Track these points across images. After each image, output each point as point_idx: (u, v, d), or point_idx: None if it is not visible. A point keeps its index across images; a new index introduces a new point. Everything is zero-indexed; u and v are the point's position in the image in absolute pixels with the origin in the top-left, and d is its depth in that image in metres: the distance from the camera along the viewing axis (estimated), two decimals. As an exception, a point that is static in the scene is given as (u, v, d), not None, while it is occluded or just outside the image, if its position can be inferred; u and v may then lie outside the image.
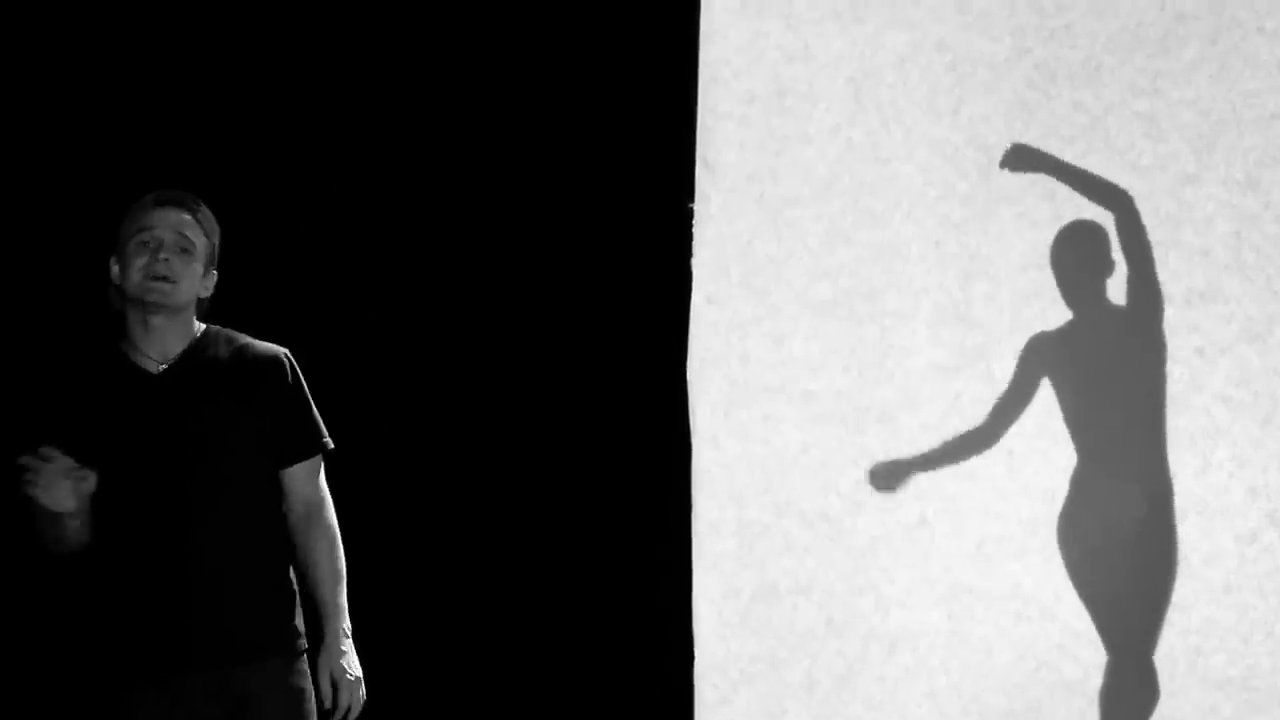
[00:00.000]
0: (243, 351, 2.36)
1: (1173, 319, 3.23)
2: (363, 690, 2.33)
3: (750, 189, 3.32)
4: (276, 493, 2.37)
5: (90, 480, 2.17)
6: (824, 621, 3.32)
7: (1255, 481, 3.23)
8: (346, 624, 2.35)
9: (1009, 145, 3.28)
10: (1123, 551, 3.26)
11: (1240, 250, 3.22)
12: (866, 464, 3.34)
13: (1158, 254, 3.25)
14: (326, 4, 3.26)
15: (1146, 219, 3.25)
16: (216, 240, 2.37)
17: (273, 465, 2.36)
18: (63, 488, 2.17)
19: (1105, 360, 3.27)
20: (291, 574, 2.37)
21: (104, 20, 3.22)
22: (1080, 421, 3.25)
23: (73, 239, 3.10)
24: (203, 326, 2.37)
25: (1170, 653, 3.19)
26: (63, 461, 2.16)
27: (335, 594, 2.36)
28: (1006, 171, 3.28)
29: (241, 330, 2.41)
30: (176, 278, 2.29)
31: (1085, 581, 3.26)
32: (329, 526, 2.38)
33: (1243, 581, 3.16)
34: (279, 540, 2.36)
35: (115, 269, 2.34)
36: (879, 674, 3.30)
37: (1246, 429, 3.21)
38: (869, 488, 3.33)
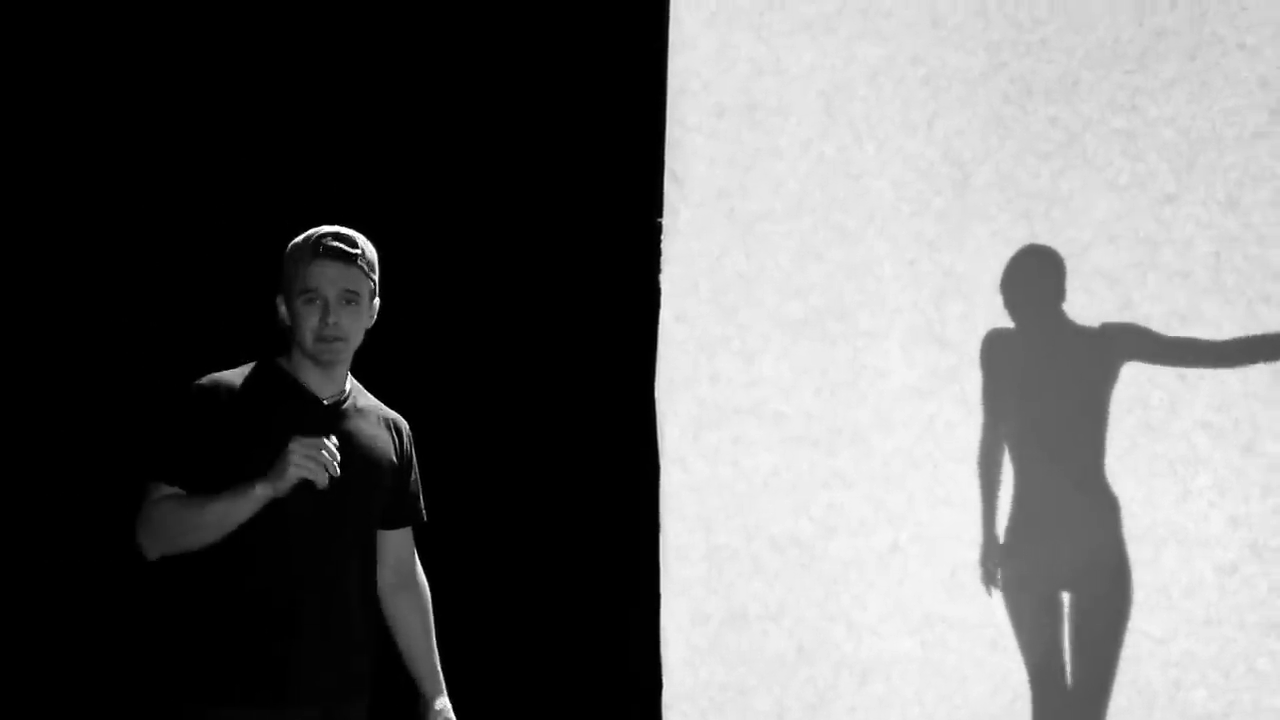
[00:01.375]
0: (380, 410, 2.48)
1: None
2: None
3: (720, 204, 3.26)
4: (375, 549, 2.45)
5: (335, 466, 2.23)
6: (795, 649, 3.25)
7: (1236, 511, 3.17)
8: (443, 684, 2.52)
9: (984, 160, 3.21)
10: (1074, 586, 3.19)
11: (1221, 272, 3.17)
12: (838, 487, 3.26)
13: (1136, 275, 3.19)
14: (289, 33, 3.17)
15: (1124, 239, 3.19)
16: (378, 272, 2.45)
17: (386, 523, 2.48)
18: (319, 465, 2.24)
19: (1055, 378, 3.20)
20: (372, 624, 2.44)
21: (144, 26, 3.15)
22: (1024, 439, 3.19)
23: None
24: (351, 380, 2.48)
25: (1149, 686, 3.12)
26: (332, 445, 2.24)
27: (431, 652, 2.53)
28: (981, 187, 3.21)
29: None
30: (346, 335, 2.38)
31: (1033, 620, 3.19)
32: (423, 589, 2.53)
33: (1224, 614, 3.10)
34: (373, 591, 2.48)
35: (282, 310, 2.42)
36: (850, 703, 3.23)
37: (1227, 456, 3.15)
38: (841, 512, 3.26)
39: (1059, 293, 3.23)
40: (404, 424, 2.51)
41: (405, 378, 3.42)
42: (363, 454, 2.39)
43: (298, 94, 3.23)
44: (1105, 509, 3.18)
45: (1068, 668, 3.19)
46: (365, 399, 2.47)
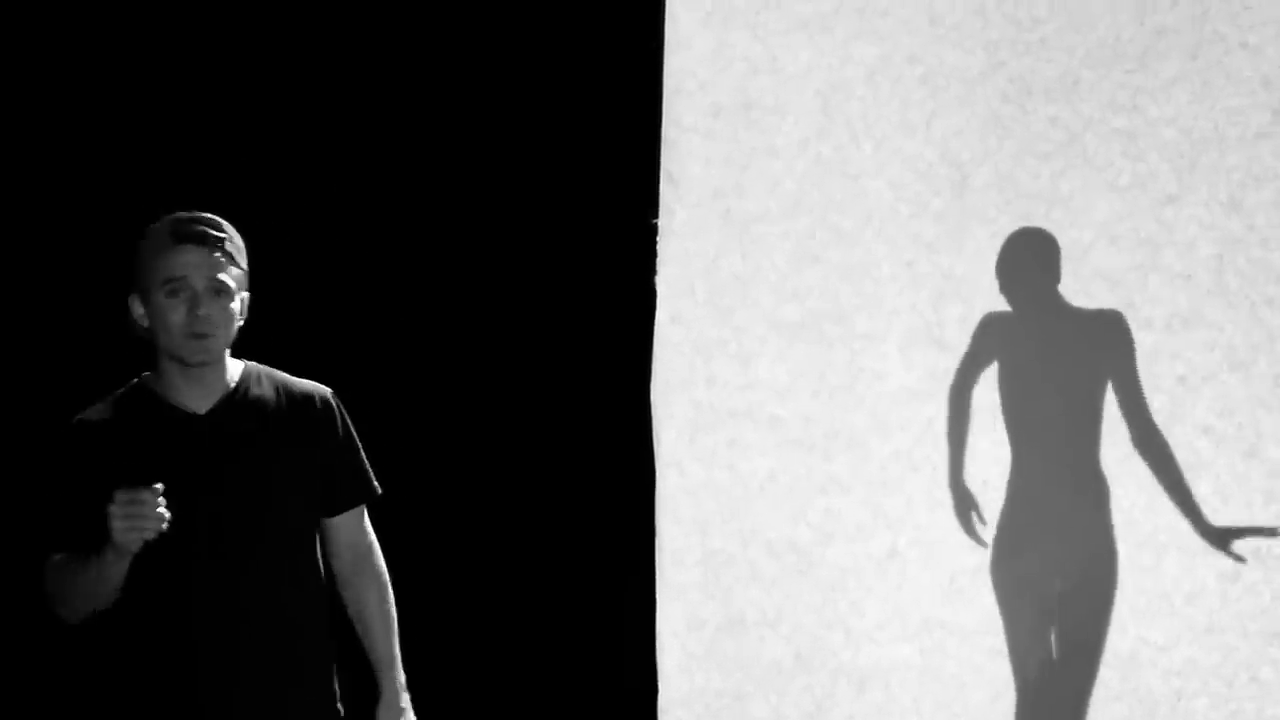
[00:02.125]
0: (288, 391, 2.23)
1: (1153, 346, 3.14)
2: None
3: (716, 204, 3.23)
4: (317, 543, 2.25)
5: (165, 517, 2.00)
6: (792, 655, 3.21)
7: (1239, 517, 3.13)
8: (402, 676, 2.26)
9: (983, 161, 3.18)
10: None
11: (1223, 274, 3.13)
12: (836, 492, 3.23)
13: (1137, 278, 3.16)
14: (287, 34, 3.14)
15: (1125, 240, 3.15)
16: (246, 265, 2.20)
17: (319, 513, 2.25)
18: (147, 522, 2.00)
19: (1048, 370, 3.16)
20: (329, 633, 2.24)
21: (103, 22, 3.11)
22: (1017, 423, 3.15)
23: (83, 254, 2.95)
24: (240, 364, 2.23)
25: (1150, 695, 3.08)
26: (151, 494, 2.00)
27: (389, 645, 2.28)
28: (980, 188, 3.18)
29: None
30: (216, 329, 2.14)
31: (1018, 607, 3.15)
32: (379, 574, 2.30)
33: (1226, 622, 3.06)
34: (322, 595, 2.24)
35: (139, 310, 2.17)
36: (848, 711, 3.20)
37: (1230, 462, 3.12)
38: (838, 517, 3.22)
39: (1055, 278, 3.18)
40: (323, 395, 2.24)
41: (398, 380, 3.39)
42: (261, 457, 2.16)
43: (289, 91, 3.19)
44: (1094, 504, 3.14)
45: (1057, 670, 3.15)
46: (265, 386, 2.22)
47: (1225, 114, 3.21)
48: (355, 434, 2.27)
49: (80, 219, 3.13)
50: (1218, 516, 3.15)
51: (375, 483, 2.30)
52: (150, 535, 2.00)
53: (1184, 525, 3.14)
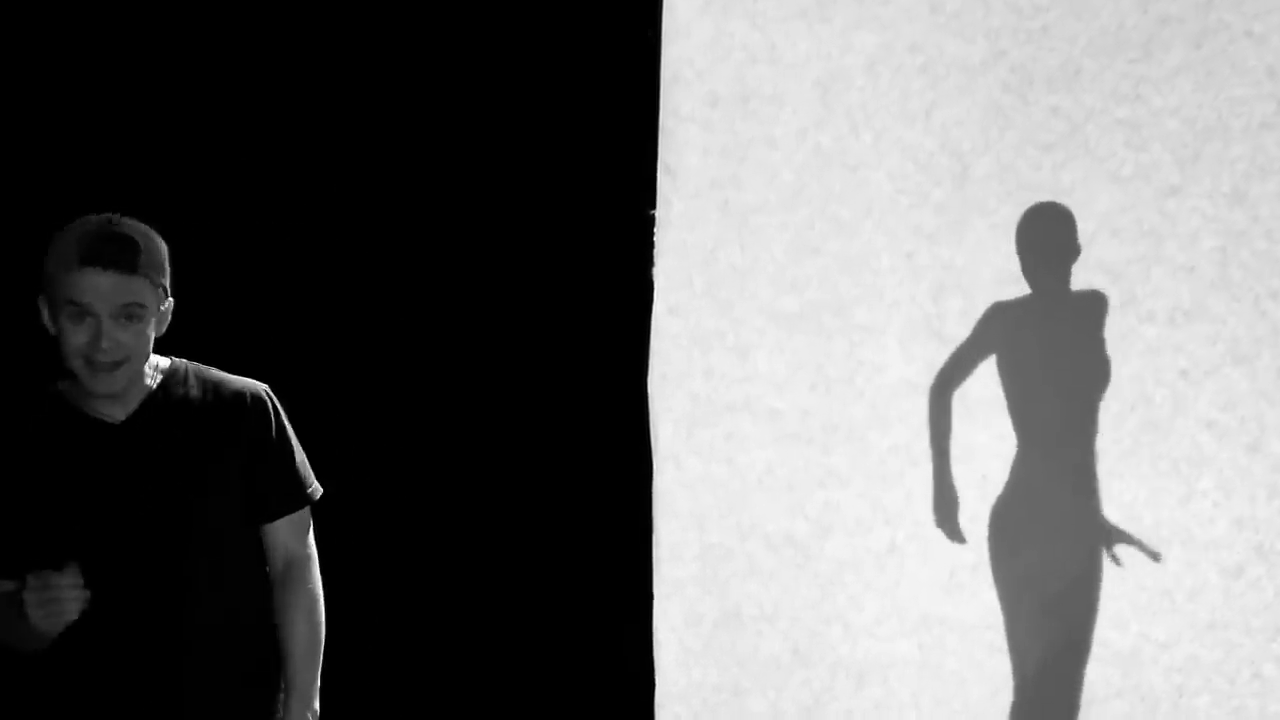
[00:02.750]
0: (217, 391, 2.09)
1: (1156, 339, 3.10)
2: None
3: (714, 195, 3.19)
4: (259, 551, 2.13)
5: (85, 596, 1.89)
6: (790, 650, 3.19)
7: (1242, 512, 3.10)
8: (315, 706, 2.11)
9: (984, 151, 3.14)
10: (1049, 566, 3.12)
11: (1227, 267, 3.10)
12: (834, 485, 3.20)
13: (1139, 270, 3.12)
14: (281, 18, 3.11)
15: (1128, 232, 3.12)
16: (167, 271, 2.04)
17: (252, 519, 2.12)
18: (65, 607, 1.89)
19: (1055, 359, 3.13)
20: (269, 638, 2.15)
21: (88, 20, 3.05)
22: (1020, 413, 3.12)
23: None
24: (167, 363, 2.09)
25: (1152, 692, 3.05)
26: (67, 579, 1.88)
27: (308, 668, 2.11)
28: (981, 179, 3.15)
29: (203, 352, 2.19)
30: (124, 356, 1.99)
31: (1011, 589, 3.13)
32: (309, 590, 2.15)
33: (1229, 618, 3.03)
34: (262, 609, 2.13)
35: (45, 315, 2.02)
36: (847, 706, 3.17)
37: (1233, 456, 3.09)
38: (837, 511, 3.19)
39: (1066, 271, 3.14)
40: (255, 393, 2.11)
41: (392, 374, 3.36)
42: (183, 465, 2.02)
43: (281, 80, 3.16)
44: (1086, 500, 3.11)
45: (1051, 667, 3.13)
46: (191, 387, 2.08)
47: (1230, 104, 3.17)
48: (291, 434, 2.14)
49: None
50: (1220, 511, 3.12)
51: (313, 488, 2.17)
52: (71, 618, 1.88)
53: (1185, 521, 3.10)
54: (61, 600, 1.87)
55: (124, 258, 1.97)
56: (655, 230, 3.24)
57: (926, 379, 3.22)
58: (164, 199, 2.42)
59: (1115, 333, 3.19)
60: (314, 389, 3.25)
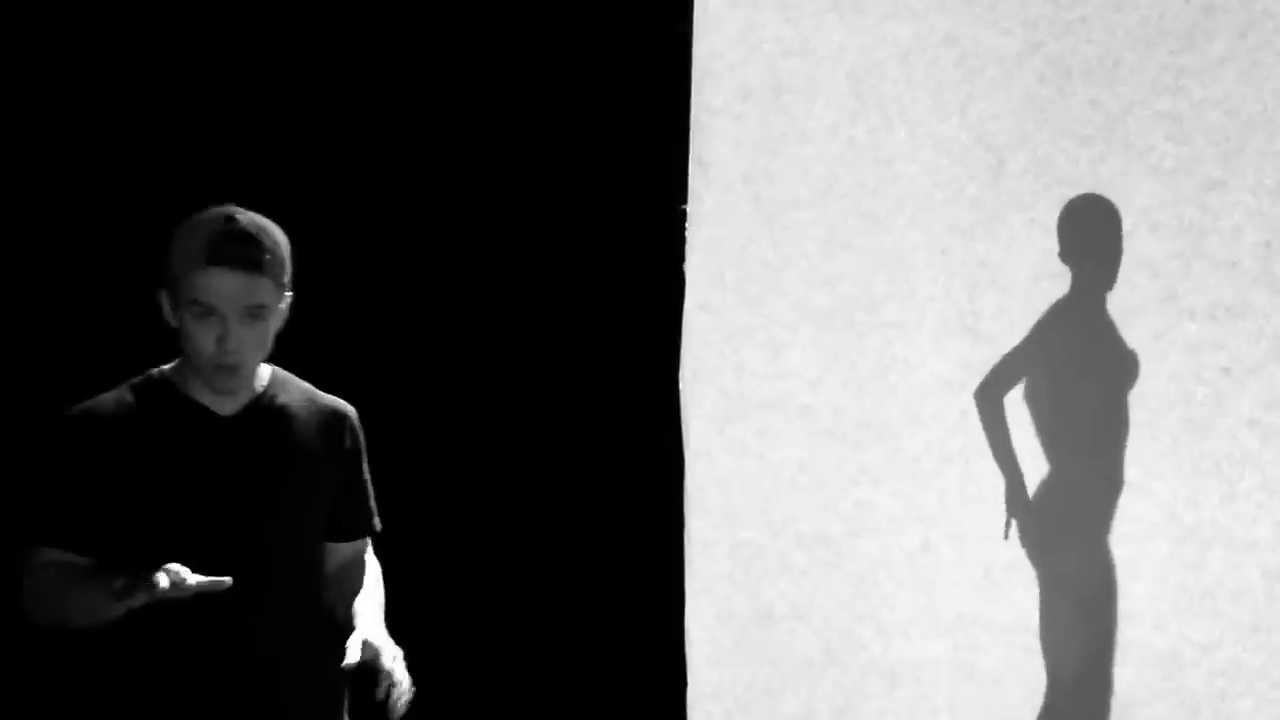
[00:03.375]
0: (315, 403, 2.08)
1: (1197, 336, 3.05)
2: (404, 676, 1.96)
3: (746, 190, 3.17)
4: (320, 562, 2.11)
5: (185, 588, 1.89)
6: (822, 650, 3.16)
7: (1287, 512, 3.03)
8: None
9: (1020, 145, 3.09)
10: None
11: (1270, 262, 3.04)
12: (867, 483, 3.17)
13: (1180, 265, 3.05)
14: (312, 7, 3.11)
15: (1168, 227, 3.06)
16: (289, 268, 2.02)
17: (331, 535, 2.12)
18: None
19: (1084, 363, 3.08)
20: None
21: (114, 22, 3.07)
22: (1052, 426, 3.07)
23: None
24: (269, 370, 2.08)
25: (1193, 696, 3.01)
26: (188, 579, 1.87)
27: (369, 606, 2.05)
28: (1017, 173, 3.10)
29: None
30: (246, 360, 1.98)
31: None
32: (369, 568, 2.14)
33: (1272, 621, 2.98)
34: (330, 620, 2.09)
35: (167, 309, 2.01)
36: (879, 707, 3.14)
37: (1277, 455, 3.03)
38: (870, 509, 3.16)
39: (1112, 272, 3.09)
40: (347, 414, 2.10)
41: (424, 370, 3.35)
42: (285, 467, 2.02)
43: (306, 79, 3.16)
44: (1105, 499, 3.06)
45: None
46: (290, 393, 2.07)
47: (1274, 95, 3.11)
48: (366, 463, 2.14)
49: (96, 211, 3.08)
50: (1263, 512, 3.07)
51: (375, 518, 2.17)
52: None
53: (1227, 521, 3.04)
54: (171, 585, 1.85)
55: (250, 258, 1.96)
56: (687, 225, 3.21)
57: (961, 376, 3.18)
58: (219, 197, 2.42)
59: (1155, 329, 3.13)
60: (346, 385, 3.24)
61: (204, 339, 1.95)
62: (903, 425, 3.21)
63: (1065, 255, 3.17)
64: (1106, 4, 3.16)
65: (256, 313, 1.97)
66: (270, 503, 2.01)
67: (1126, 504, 3.13)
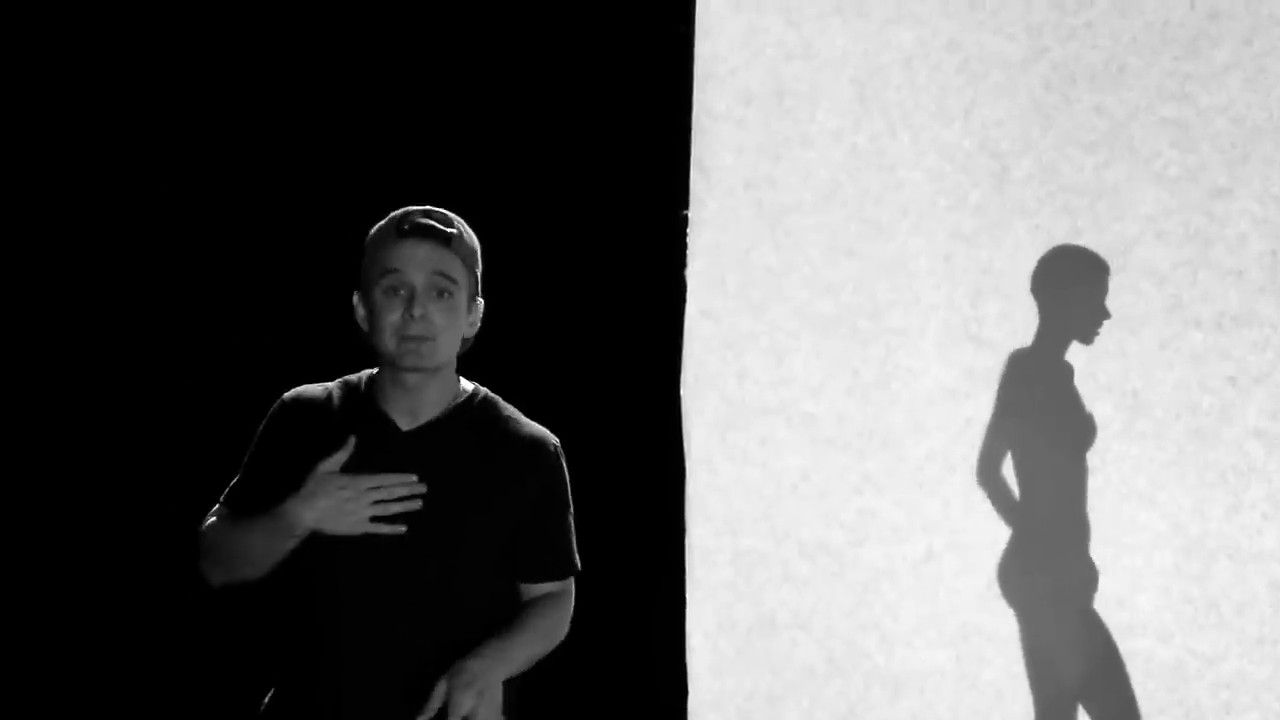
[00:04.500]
0: (508, 431, 2.13)
1: (1202, 345, 3.07)
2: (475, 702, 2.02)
3: (748, 195, 3.21)
4: (498, 601, 2.16)
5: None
6: (824, 659, 3.21)
7: (1292, 526, 3.06)
8: (502, 660, 2.08)
9: (1024, 151, 3.09)
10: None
11: (1277, 270, 3.11)
12: (870, 492, 3.16)
13: (1186, 274, 3.05)
14: (317, 9, 3.14)
15: (1173, 235, 3.06)
16: (479, 262, 2.13)
17: (519, 575, 2.17)
18: (356, 515, 1.99)
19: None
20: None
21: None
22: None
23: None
24: (470, 387, 2.16)
25: (1199, 708, 3.06)
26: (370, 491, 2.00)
27: (509, 637, 2.09)
28: (1021, 180, 3.09)
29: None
30: (436, 333, 2.03)
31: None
32: (556, 610, 2.19)
33: (1278, 632, 2.98)
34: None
35: (360, 311, 2.13)
36: (882, 717, 3.21)
37: (1282, 466, 3.05)
38: (873, 518, 3.14)
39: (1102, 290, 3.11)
40: (548, 448, 2.14)
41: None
42: (452, 495, 2.04)
43: (312, 88, 3.20)
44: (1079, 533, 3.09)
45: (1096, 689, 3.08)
46: (486, 417, 2.12)
47: (1280, 102, 3.11)
48: (569, 496, 2.22)
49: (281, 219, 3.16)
50: (1269, 523, 3.08)
51: (575, 558, 2.23)
52: (348, 530, 1.98)
53: (1233, 532, 3.02)
54: (357, 508, 1.95)
55: (439, 231, 2.06)
56: (688, 231, 3.25)
57: (964, 384, 3.22)
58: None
59: (1161, 338, 3.13)
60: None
61: (393, 310, 2.04)
62: (906, 433, 3.26)
63: (1035, 294, 3.17)
64: (1111, 9, 3.19)
65: (444, 285, 2.06)
66: (426, 524, 2.05)
67: (1131, 514, 3.12)
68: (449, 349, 2.02)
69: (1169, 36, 3.25)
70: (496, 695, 1.97)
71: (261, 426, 2.08)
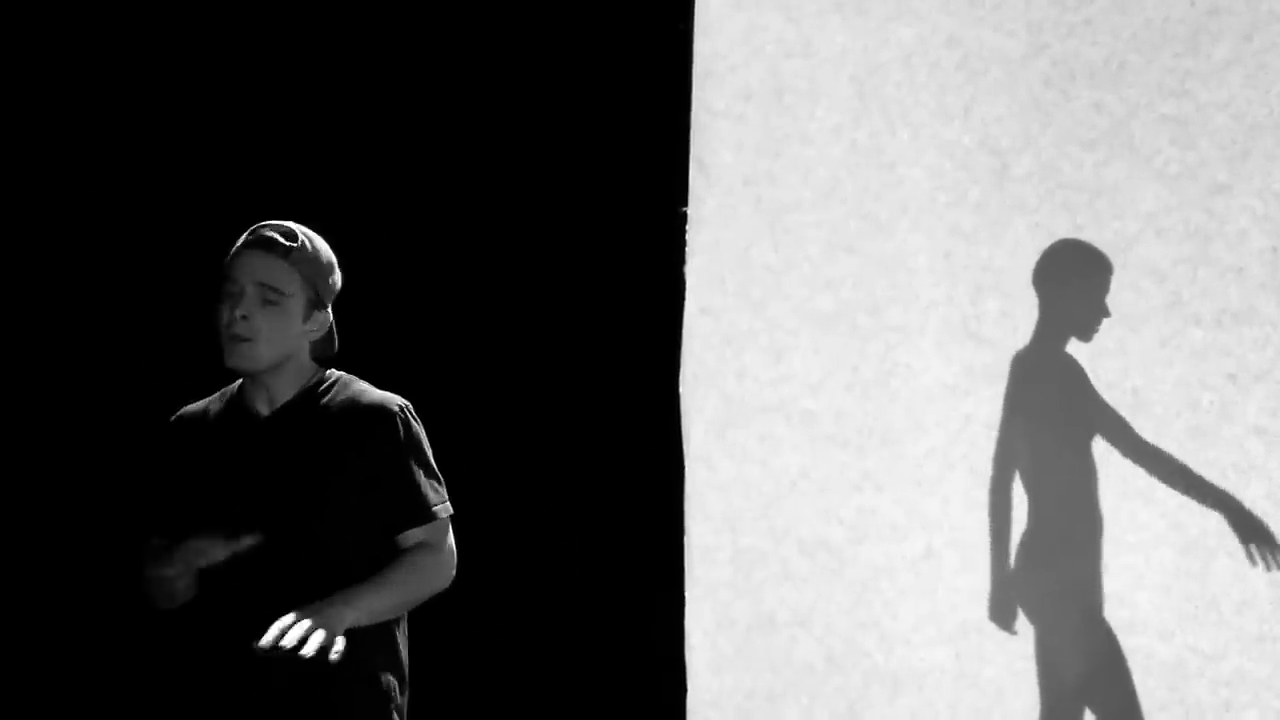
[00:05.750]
0: (355, 402, 2.27)
1: (1202, 342, 3.08)
2: (309, 632, 2.07)
3: (747, 193, 3.22)
4: (375, 560, 2.25)
5: (178, 559, 2.14)
6: (824, 657, 3.22)
7: (1292, 523, 3.06)
8: (350, 614, 2.14)
9: (1024, 149, 3.09)
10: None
11: (1277, 267, 3.08)
12: (869, 489, 3.16)
13: (1186, 271, 3.05)
14: (317, 6, 3.15)
15: (1173, 232, 3.06)
16: (325, 277, 2.25)
17: (381, 531, 2.28)
18: (168, 592, 2.17)
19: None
20: (392, 676, 2.28)
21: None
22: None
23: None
24: (326, 372, 2.30)
25: (1198, 706, 3.06)
26: (176, 569, 2.13)
27: (373, 585, 2.17)
28: (1021, 177, 3.09)
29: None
30: (255, 334, 2.18)
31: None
32: (423, 561, 2.27)
33: (1278, 630, 3.01)
34: (384, 627, 2.26)
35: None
36: (881, 715, 3.22)
37: (1282, 464, 3.05)
38: (872, 515, 3.14)
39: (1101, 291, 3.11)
40: (388, 408, 2.27)
41: (423, 373, 3.35)
42: (310, 467, 2.18)
43: (312, 85, 3.19)
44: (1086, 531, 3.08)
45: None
46: (337, 395, 2.25)
47: (1280, 99, 3.11)
48: (418, 452, 2.31)
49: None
50: (1269, 520, 3.06)
51: (439, 505, 2.31)
52: (173, 604, 2.14)
53: (1233, 529, 3.03)
54: (164, 584, 2.10)
55: (277, 243, 2.19)
56: (687, 228, 3.25)
57: (964, 382, 3.23)
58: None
59: (1161, 335, 3.13)
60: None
61: (223, 314, 2.18)
62: (905, 431, 3.27)
63: (1036, 289, 3.17)
64: (1111, 6, 3.20)
65: (272, 296, 2.18)
66: (289, 496, 2.20)
67: (1132, 512, 3.12)
68: (274, 351, 2.14)
69: (1169, 33, 3.25)
70: (333, 631, 1.99)
71: (153, 450, 2.21)
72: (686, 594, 3.36)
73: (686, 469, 3.37)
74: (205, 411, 2.25)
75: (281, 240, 2.12)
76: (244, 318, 2.09)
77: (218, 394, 2.28)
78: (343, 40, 3.39)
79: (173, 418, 2.25)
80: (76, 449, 3.18)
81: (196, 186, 3.30)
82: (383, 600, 2.11)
